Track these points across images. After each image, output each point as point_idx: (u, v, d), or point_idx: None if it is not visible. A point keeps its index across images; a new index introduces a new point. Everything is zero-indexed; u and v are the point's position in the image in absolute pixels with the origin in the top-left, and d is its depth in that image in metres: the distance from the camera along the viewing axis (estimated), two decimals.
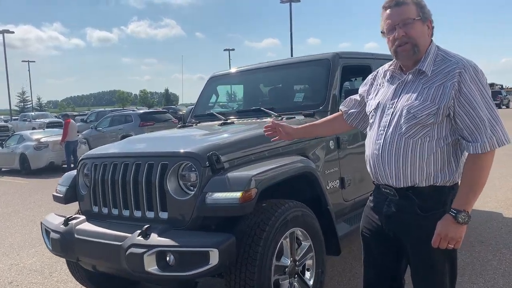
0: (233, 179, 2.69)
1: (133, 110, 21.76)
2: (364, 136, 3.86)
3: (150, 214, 2.96)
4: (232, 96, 5.07)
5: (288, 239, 2.94)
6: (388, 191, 1.97)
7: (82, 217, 3.27)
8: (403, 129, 1.87)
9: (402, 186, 1.91)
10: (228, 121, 4.13)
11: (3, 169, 14.81)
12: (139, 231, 2.72)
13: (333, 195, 3.70)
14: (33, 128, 25.11)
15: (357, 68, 4.42)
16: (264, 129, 2.47)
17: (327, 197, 3.36)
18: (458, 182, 1.92)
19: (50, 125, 28.37)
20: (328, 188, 3.64)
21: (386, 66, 2.13)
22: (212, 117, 4.42)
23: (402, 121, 1.87)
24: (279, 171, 2.89)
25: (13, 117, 38.88)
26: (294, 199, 3.22)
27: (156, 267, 2.61)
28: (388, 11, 1.93)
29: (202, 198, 2.71)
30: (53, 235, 3.21)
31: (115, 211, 3.16)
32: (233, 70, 4.81)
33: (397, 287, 2.20)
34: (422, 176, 1.87)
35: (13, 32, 36.64)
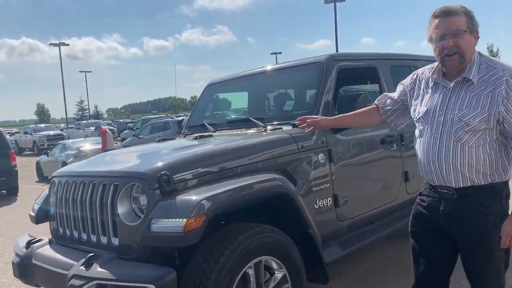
0: (180, 203, 2.38)
1: (171, 118, 22.01)
2: (364, 147, 3.40)
3: (104, 240, 2.71)
4: (226, 104, 4.73)
5: (253, 270, 2.58)
6: (446, 191, 2.07)
7: (45, 240, 3.08)
8: (457, 136, 1.97)
9: (461, 186, 2.01)
10: (215, 132, 3.83)
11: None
12: (83, 259, 2.48)
13: (324, 215, 3.29)
14: (86, 136, 26.14)
15: (359, 70, 3.98)
16: (296, 121, 2.58)
17: (309, 219, 2.97)
18: (510, 177, 2.05)
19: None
20: (316, 207, 3.23)
21: (427, 71, 2.21)
22: (204, 128, 4.14)
23: (455, 128, 1.98)
24: (239, 193, 2.54)
25: (70, 125, 40.72)
26: (273, 221, 2.88)
27: None
28: (439, 20, 2.00)
29: (147, 225, 2.42)
30: (14, 258, 3.05)
31: (76, 234, 2.94)
32: (229, 76, 4.49)
33: (446, 281, 2.28)
34: (479, 176, 1.99)
35: (68, 45, 38.52)
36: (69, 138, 26.77)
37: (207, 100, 4.58)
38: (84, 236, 2.85)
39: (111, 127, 33.01)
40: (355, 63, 3.91)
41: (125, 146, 16.52)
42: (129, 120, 41.10)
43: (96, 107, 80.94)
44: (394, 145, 4.00)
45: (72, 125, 39.29)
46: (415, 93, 2.25)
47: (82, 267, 2.44)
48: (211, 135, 3.57)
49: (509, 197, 2.07)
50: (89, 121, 38.31)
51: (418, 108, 2.19)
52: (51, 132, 30.09)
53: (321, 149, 3.33)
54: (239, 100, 4.50)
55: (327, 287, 3.22)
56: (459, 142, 1.98)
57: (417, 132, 2.21)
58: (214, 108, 4.54)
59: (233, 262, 2.43)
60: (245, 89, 4.37)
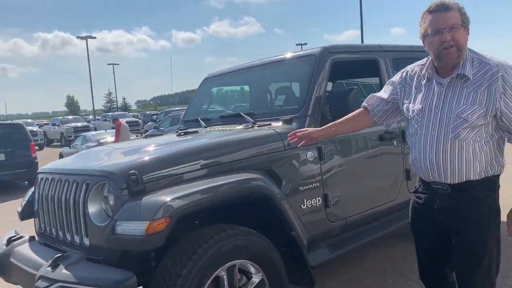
0: (144, 205, 2.28)
1: None
2: (360, 144, 3.21)
3: (77, 239, 2.65)
4: (223, 99, 4.60)
5: (225, 274, 2.46)
6: (440, 187, 2.09)
7: (25, 238, 3.05)
8: (456, 133, 1.98)
9: (456, 182, 2.03)
10: (206, 128, 3.72)
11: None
12: (51, 260, 2.42)
13: (312, 215, 3.14)
14: (112, 128, 26.45)
15: (357, 63, 3.78)
16: (288, 137, 2.49)
17: (291, 221, 2.83)
18: (503, 170, 2.09)
19: (128, 124, 29.77)
20: (303, 207, 3.08)
21: (417, 68, 2.20)
22: (198, 123, 4.03)
23: (453, 125, 1.98)
24: (208, 194, 2.42)
25: (97, 117, 41.43)
26: (258, 222, 2.76)
27: None
28: (434, 14, 2.00)
29: (112, 226, 2.33)
30: None
31: (54, 232, 2.90)
32: (225, 70, 4.36)
33: (450, 271, 2.31)
34: (476, 171, 2.01)
35: (95, 38, 39.06)
36: (95, 130, 27.26)
37: (204, 94, 4.46)
38: (61, 235, 2.80)
39: (137, 119, 33.37)
40: (352, 56, 3.71)
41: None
42: (154, 112, 41.50)
43: (124, 99, 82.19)
44: (395, 141, 3.80)
45: (99, 117, 39.96)
46: (406, 91, 2.23)
47: (49, 268, 2.37)
48: (196, 132, 3.45)
49: (499, 188, 2.12)
50: (115, 113, 38.87)
51: (411, 106, 2.16)
52: (79, 124, 30.64)
53: (310, 146, 3.16)
54: (237, 94, 4.36)
55: None
56: (457, 139, 1.98)
57: (411, 130, 2.19)
58: (211, 103, 4.42)
59: (202, 266, 2.32)
60: (240, 83, 4.24)
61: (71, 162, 3.10)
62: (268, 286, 2.66)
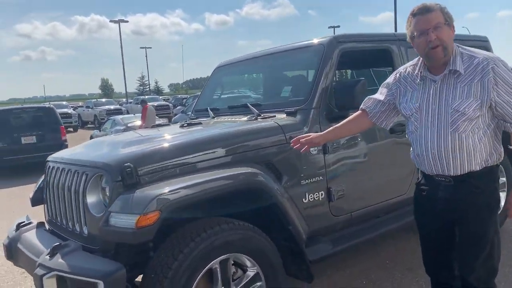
0: (136, 198, 2.30)
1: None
2: (368, 137, 3.14)
3: (78, 228, 2.71)
4: (233, 88, 4.55)
5: (218, 268, 2.47)
6: (443, 179, 2.16)
7: (33, 224, 3.14)
8: (455, 127, 2.06)
9: (459, 174, 2.11)
10: (214, 118, 3.71)
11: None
12: (50, 249, 2.49)
13: (314, 209, 3.10)
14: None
15: (368, 53, 3.66)
16: (291, 143, 2.51)
17: (290, 216, 2.81)
18: (502, 159, 2.19)
19: (159, 108, 30.30)
20: (305, 201, 3.04)
21: (409, 69, 2.29)
22: (207, 113, 4.02)
23: (451, 119, 2.06)
24: (200, 189, 2.41)
25: (129, 100, 42.15)
26: (254, 216, 2.76)
27: None
28: (417, 17, 2.11)
29: (106, 218, 2.37)
30: (4, 240, 3.14)
31: (59, 219, 2.97)
32: (237, 59, 4.31)
33: (454, 264, 2.34)
34: (477, 162, 2.09)
35: (127, 21, 39.56)
36: (127, 113, 27.76)
37: (216, 83, 4.44)
38: (65, 223, 2.87)
39: (167, 103, 33.72)
40: (363, 45, 3.60)
41: (174, 123, 16.79)
42: (185, 96, 41.87)
43: (156, 82, 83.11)
44: (406, 134, 3.67)
45: (131, 100, 40.64)
46: (402, 91, 2.31)
47: (47, 257, 2.44)
48: (200, 123, 3.44)
49: (499, 179, 2.22)
50: (145, 96, 39.45)
51: (409, 106, 2.24)
52: (111, 107, 31.27)
53: None
54: (247, 84, 4.32)
55: (331, 281, 3.05)
56: (456, 132, 2.06)
57: (411, 127, 2.27)
58: (222, 92, 4.40)
59: (193, 259, 2.34)
60: (251, 72, 4.19)
61: (77, 151, 3.16)
62: (263, 280, 2.66)
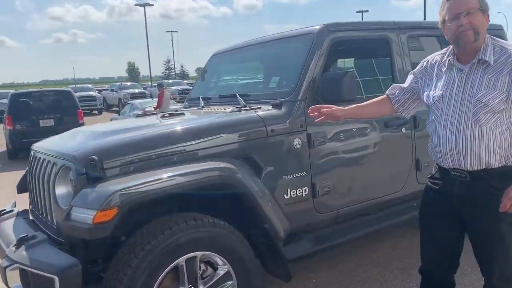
0: (95, 193, 2.23)
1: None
2: (359, 131, 3.00)
3: (50, 219, 2.67)
4: (228, 77, 4.42)
5: (184, 266, 2.40)
6: (459, 174, 2.08)
7: (14, 212, 3.14)
8: (476, 118, 1.98)
9: (476, 169, 2.02)
10: (203, 108, 3.62)
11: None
12: (16, 240, 2.46)
13: (297, 205, 2.98)
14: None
15: (363, 42, 3.47)
16: (309, 110, 2.44)
17: (265, 213, 2.70)
18: None
19: (182, 92, 30.41)
20: (287, 197, 2.93)
21: (437, 57, 2.22)
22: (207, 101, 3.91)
23: (473, 110, 1.99)
24: (165, 183, 2.32)
25: (154, 84, 42.45)
26: (230, 212, 2.68)
27: (20, 284, 2.33)
28: (451, 1, 2.03)
29: (68, 212, 2.32)
30: None
31: (38, 209, 2.95)
32: (232, 46, 4.18)
33: (454, 264, 2.33)
34: (495, 158, 2.00)
35: (152, 5, 39.56)
36: (151, 97, 27.94)
37: (211, 71, 4.33)
38: (41, 213, 2.85)
39: (191, 87, 33.80)
40: (358, 34, 3.41)
41: None
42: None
43: (182, 66, 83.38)
44: (403, 129, 3.50)
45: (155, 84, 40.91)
46: (427, 79, 2.25)
47: (13, 248, 2.42)
48: (182, 114, 3.34)
49: None
50: (171, 81, 39.65)
51: (432, 93, 2.17)
52: (136, 90, 31.51)
53: (298, 133, 2.99)
54: (241, 73, 4.19)
55: (319, 279, 2.94)
56: (477, 124, 1.99)
57: (431, 117, 2.19)
58: (217, 80, 4.29)
59: (155, 257, 2.27)
60: (245, 61, 4.06)
61: (57, 141, 3.12)
62: (234, 279, 2.58)
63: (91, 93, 29.61)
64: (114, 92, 31.85)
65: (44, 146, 3.00)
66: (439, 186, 2.21)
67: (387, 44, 3.49)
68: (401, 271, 3.62)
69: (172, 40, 59.15)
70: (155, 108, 13.15)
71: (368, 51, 3.59)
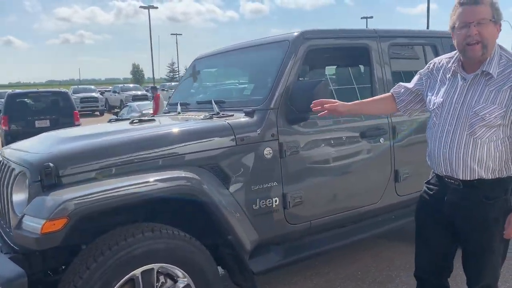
0: (46, 202, 2.16)
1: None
2: (334, 141, 2.93)
3: (8, 227, 2.61)
4: (208, 82, 4.35)
5: (140, 278, 2.32)
6: (453, 181, 2.08)
7: None
8: (472, 130, 1.97)
9: (468, 179, 2.02)
10: (179, 114, 3.55)
11: None
12: None
13: (266, 216, 2.90)
14: (169, 97, 26.88)
15: (343, 50, 3.40)
16: (311, 105, 2.41)
17: (229, 224, 2.62)
18: None
19: None
20: (256, 208, 2.84)
21: (444, 61, 2.18)
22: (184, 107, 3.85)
23: (470, 122, 1.97)
24: (119, 193, 2.25)
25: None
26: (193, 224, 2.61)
27: None
28: (463, 7, 1.97)
29: (20, 220, 2.25)
30: None
31: (1, 216, 2.89)
32: (215, 51, 4.10)
33: (448, 268, 2.32)
34: (488, 171, 1.99)
35: (156, 8, 39.65)
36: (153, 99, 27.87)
37: (193, 76, 4.27)
38: (2, 219, 2.79)
39: None
40: (336, 42, 3.34)
41: None
42: None
43: (186, 69, 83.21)
44: (381, 139, 3.42)
45: (158, 86, 40.95)
46: (431, 83, 2.23)
47: None
48: (152, 120, 3.27)
49: None
50: (172, 83, 39.67)
51: (433, 99, 2.16)
52: (138, 92, 31.58)
53: (269, 142, 2.91)
54: (220, 78, 4.13)
55: None
56: (472, 136, 1.98)
57: (430, 122, 2.19)
58: (199, 85, 4.22)
59: (108, 269, 2.19)
60: (225, 66, 3.99)
61: (22, 145, 3.05)
62: None
63: (93, 94, 29.67)
64: (116, 94, 31.91)
65: (8, 151, 2.94)
66: (433, 192, 2.22)
67: (366, 52, 3.42)
68: (378, 284, 3.53)
69: (176, 42, 59.11)
70: (152, 114, 13.07)
71: (347, 60, 3.53)
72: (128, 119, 3.63)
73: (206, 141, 2.73)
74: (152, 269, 2.36)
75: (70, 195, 2.16)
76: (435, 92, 2.16)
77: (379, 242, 4.20)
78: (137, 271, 2.30)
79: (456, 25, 2.00)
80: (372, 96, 3.37)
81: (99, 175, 2.41)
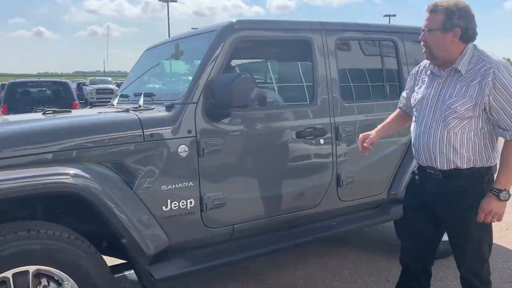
0: None
1: None
2: (264, 140, 2.89)
3: None
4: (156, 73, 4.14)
5: (11, 280, 2.16)
6: (433, 172, 2.27)
7: None
8: (446, 122, 2.15)
9: (446, 168, 2.21)
10: (113, 106, 3.39)
11: None
12: None
13: (179, 219, 2.70)
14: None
15: (281, 43, 3.16)
16: (360, 149, 2.54)
17: (123, 227, 2.43)
18: (494, 163, 2.23)
19: None
20: (166, 209, 2.65)
21: (426, 61, 2.36)
22: (122, 99, 3.70)
23: (444, 115, 2.16)
24: None
25: None
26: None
27: None
28: (426, 13, 2.20)
29: None
30: None
31: None
32: (162, 41, 3.91)
33: (432, 255, 2.52)
34: (463, 160, 2.18)
35: (176, 1, 39.49)
36: None
37: (140, 67, 4.07)
38: None
39: None
40: (272, 34, 3.10)
41: None
42: None
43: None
44: (321, 140, 3.17)
45: None
46: (418, 81, 2.42)
47: None
48: (68, 111, 3.11)
49: (492, 181, 2.20)
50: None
51: (415, 95, 2.37)
52: None
53: (184, 139, 2.71)
54: (162, 70, 3.93)
55: None
56: (446, 128, 2.16)
57: (413, 117, 2.40)
58: (144, 76, 4.03)
59: None
60: (166, 58, 3.80)
61: None
62: None
63: (109, 86, 30.02)
64: None
65: None
66: (417, 182, 2.41)
67: (308, 46, 3.17)
68: None
69: None
70: None
71: (284, 54, 3.29)
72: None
73: (109, 135, 2.53)
74: (27, 271, 2.19)
75: None
76: (418, 89, 2.36)
77: (325, 250, 3.96)
78: (8, 273, 2.14)
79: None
80: (312, 94, 3.17)
81: None
